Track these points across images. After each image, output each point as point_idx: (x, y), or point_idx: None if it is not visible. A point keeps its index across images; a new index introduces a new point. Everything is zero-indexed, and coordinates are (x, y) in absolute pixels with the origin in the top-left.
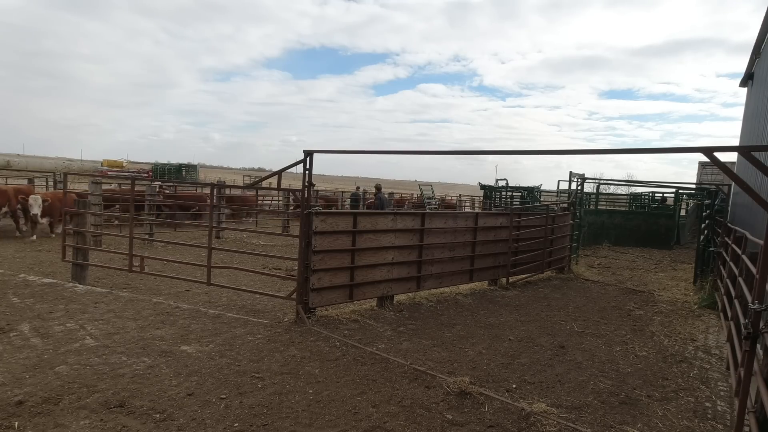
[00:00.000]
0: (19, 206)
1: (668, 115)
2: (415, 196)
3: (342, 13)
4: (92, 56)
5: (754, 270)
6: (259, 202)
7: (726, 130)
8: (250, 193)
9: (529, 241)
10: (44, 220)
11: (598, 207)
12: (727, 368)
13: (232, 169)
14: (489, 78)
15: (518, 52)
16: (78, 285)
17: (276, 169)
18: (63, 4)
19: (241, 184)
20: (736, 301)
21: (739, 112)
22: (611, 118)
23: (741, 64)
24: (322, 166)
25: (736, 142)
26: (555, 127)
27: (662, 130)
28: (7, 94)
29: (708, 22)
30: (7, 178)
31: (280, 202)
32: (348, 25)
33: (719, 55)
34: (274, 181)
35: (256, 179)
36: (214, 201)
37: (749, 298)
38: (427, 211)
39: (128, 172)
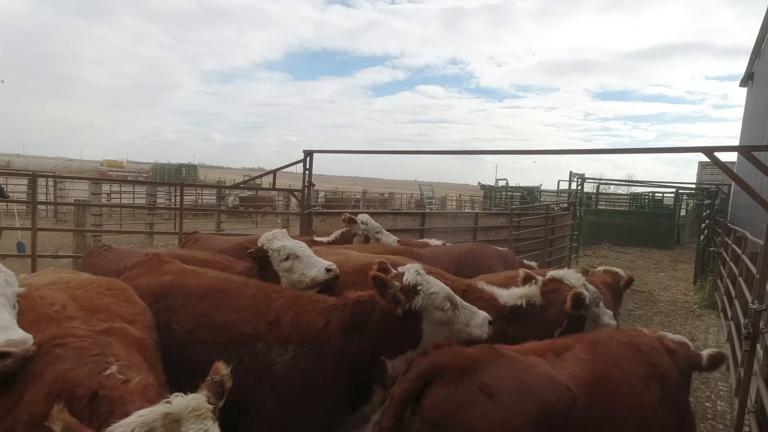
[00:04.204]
0: None
1: (662, 116)
2: (415, 196)
3: (342, 19)
4: (97, 59)
5: (754, 270)
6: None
7: (720, 131)
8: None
9: (529, 241)
10: None
11: (598, 207)
12: (727, 368)
13: (232, 169)
14: (485, 80)
15: (513, 56)
16: None
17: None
18: (72, 10)
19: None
20: (736, 301)
21: (731, 113)
22: (606, 119)
23: (728, 68)
24: (321, 166)
25: (730, 143)
26: (552, 127)
27: (657, 131)
28: (10, 95)
29: (694, 28)
30: (7, 178)
31: (280, 202)
32: (348, 30)
33: (707, 59)
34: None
35: (248, 178)
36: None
37: (749, 298)
38: (427, 210)
39: (128, 172)
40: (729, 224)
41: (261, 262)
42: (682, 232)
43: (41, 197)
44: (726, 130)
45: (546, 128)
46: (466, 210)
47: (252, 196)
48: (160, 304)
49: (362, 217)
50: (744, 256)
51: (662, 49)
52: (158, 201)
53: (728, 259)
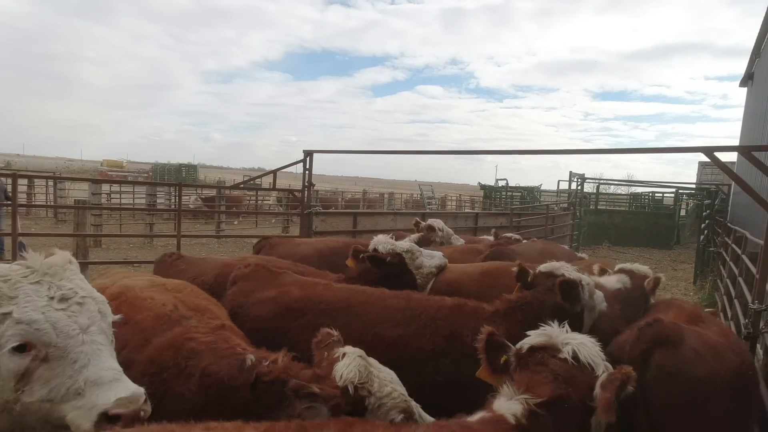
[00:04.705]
0: None
1: (662, 116)
2: (415, 196)
3: (342, 19)
4: (97, 59)
5: (754, 270)
6: (259, 202)
7: (719, 131)
8: (237, 192)
9: None
10: None
11: (598, 207)
12: None
13: (231, 169)
14: (485, 80)
15: (513, 56)
16: None
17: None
18: (72, 10)
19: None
20: (736, 301)
21: (731, 114)
22: (606, 119)
23: (728, 68)
24: (321, 166)
25: (730, 143)
26: (552, 127)
27: (657, 131)
28: (10, 95)
29: (694, 28)
30: (7, 179)
31: (258, 202)
32: (348, 30)
33: (707, 59)
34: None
35: (247, 178)
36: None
37: (749, 298)
38: (427, 210)
39: (128, 172)
40: (729, 224)
41: (398, 267)
42: (682, 232)
43: (41, 198)
44: (726, 130)
45: (546, 128)
46: (466, 210)
47: (215, 196)
48: (300, 321)
49: (438, 224)
50: (744, 256)
51: (662, 49)
52: (158, 201)
53: (728, 259)
